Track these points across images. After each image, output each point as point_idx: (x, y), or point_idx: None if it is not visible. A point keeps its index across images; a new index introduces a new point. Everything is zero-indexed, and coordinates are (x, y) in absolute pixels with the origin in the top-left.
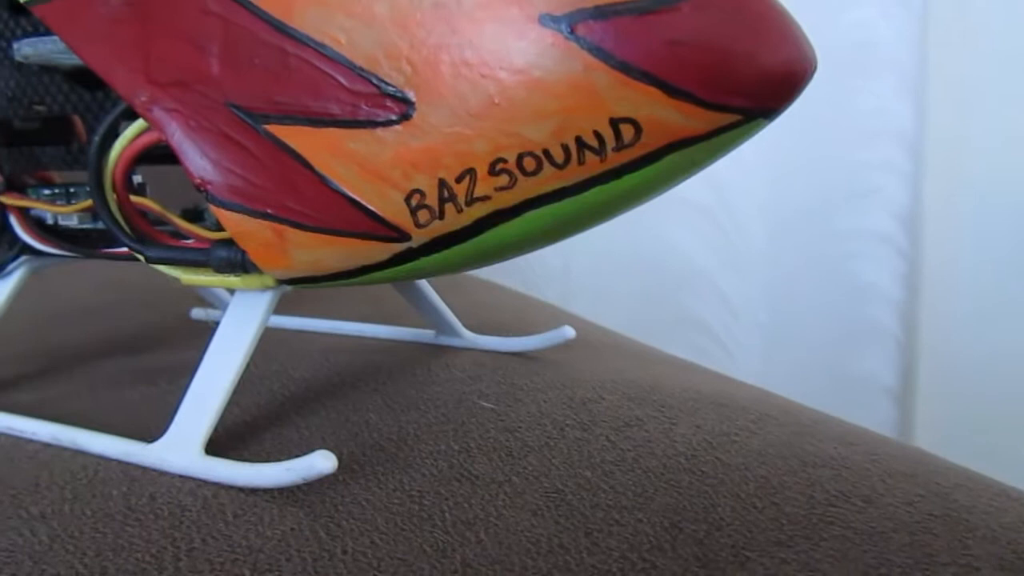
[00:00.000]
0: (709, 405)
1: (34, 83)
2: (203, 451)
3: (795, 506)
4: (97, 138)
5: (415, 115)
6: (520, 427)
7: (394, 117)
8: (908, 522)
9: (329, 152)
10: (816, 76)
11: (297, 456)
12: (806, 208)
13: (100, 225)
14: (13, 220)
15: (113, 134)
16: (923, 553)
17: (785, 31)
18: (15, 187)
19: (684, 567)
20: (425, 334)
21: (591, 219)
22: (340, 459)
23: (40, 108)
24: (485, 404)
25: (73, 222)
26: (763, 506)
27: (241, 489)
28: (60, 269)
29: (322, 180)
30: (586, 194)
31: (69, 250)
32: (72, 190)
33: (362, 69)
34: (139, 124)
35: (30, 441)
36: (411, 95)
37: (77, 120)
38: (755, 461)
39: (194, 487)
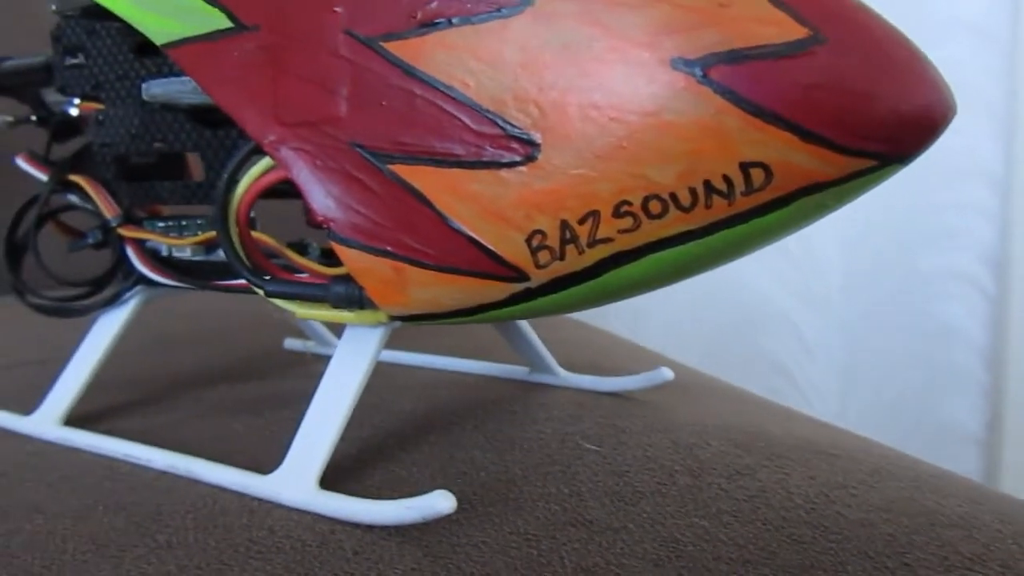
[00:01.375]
0: (819, 455)
1: (157, 121)
2: (318, 485)
3: (929, 568)
4: (226, 175)
5: (540, 157)
6: (628, 471)
7: (518, 159)
8: None
9: (452, 192)
10: None
11: (409, 494)
12: (888, 247)
13: (213, 258)
14: (130, 252)
15: (239, 171)
16: None
17: (923, 74)
18: (131, 220)
19: None
20: (518, 370)
21: (714, 262)
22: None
23: (160, 145)
24: (589, 446)
25: (186, 254)
26: (895, 566)
27: (356, 525)
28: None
29: (443, 220)
30: (711, 238)
31: (183, 281)
32: (184, 223)
33: (488, 111)
34: (266, 162)
35: (147, 468)
36: (537, 137)
37: (191, 156)
38: (879, 518)
39: (311, 522)
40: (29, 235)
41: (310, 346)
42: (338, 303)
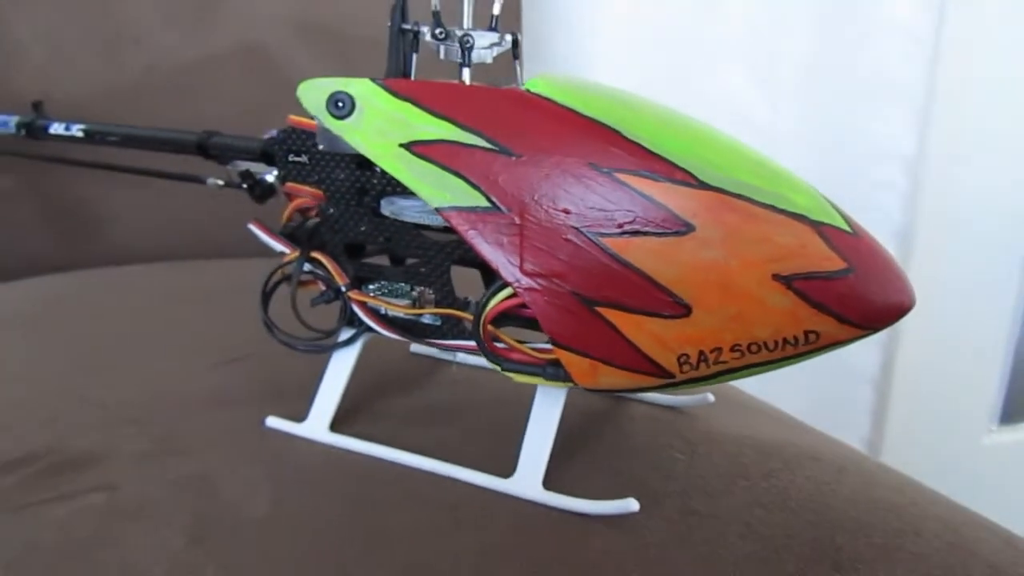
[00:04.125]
0: (810, 459)
1: (386, 225)
2: (543, 486)
3: (882, 537)
4: (485, 298)
5: (692, 315)
6: (705, 476)
7: (679, 313)
8: (939, 549)
9: (634, 326)
10: (840, 103)
11: (590, 490)
12: None
13: (422, 320)
14: (357, 309)
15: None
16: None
17: (904, 284)
18: (356, 285)
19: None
20: None
21: (772, 370)
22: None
23: (386, 244)
24: (679, 455)
25: (399, 314)
26: (836, 525)
27: (566, 512)
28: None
29: (627, 341)
30: (779, 363)
31: (399, 335)
32: (392, 287)
33: (663, 286)
34: (508, 291)
35: (414, 469)
36: (691, 303)
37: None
38: (835, 500)
39: (544, 511)
40: (271, 293)
41: (426, 350)
42: (551, 378)
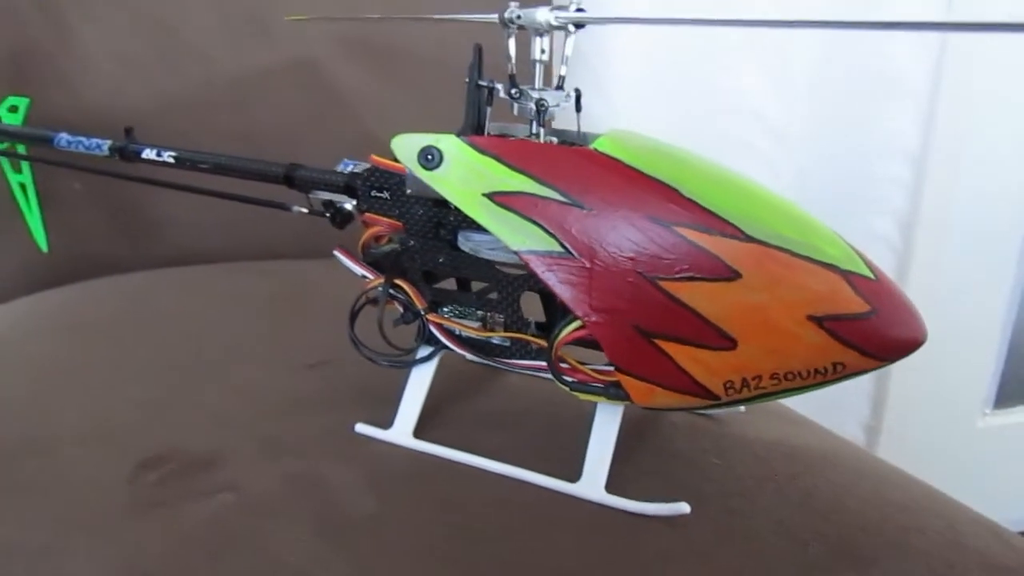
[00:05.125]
0: (823, 460)
1: (461, 257)
2: (605, 490)
3: (893, 534)
4: (558, 329)
5: (737, 348)
6: (742, 476)
7: (726, 346)
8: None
9: (686, 355)
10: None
11: (644, 493)
12: (824, 212)
13: (491, 341)
14: (435, 330)
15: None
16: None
17: (918, 323)
18: (432, 308)
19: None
20: None
21: (803, 394)
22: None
23: (462, 274)
24: (715, 460)
25: (473, 335)
26: (854, 523)
27: (626, 513)
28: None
29: (681, 369)
30: (810, 387)
31: (471, 353)
32: (461, 311)
33: (713, 323)
34: (577, 323)
35: (486, 472)
36: (736, 337)
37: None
38: (852, 500)
39: (608, 512)
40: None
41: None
42: (611, 397)
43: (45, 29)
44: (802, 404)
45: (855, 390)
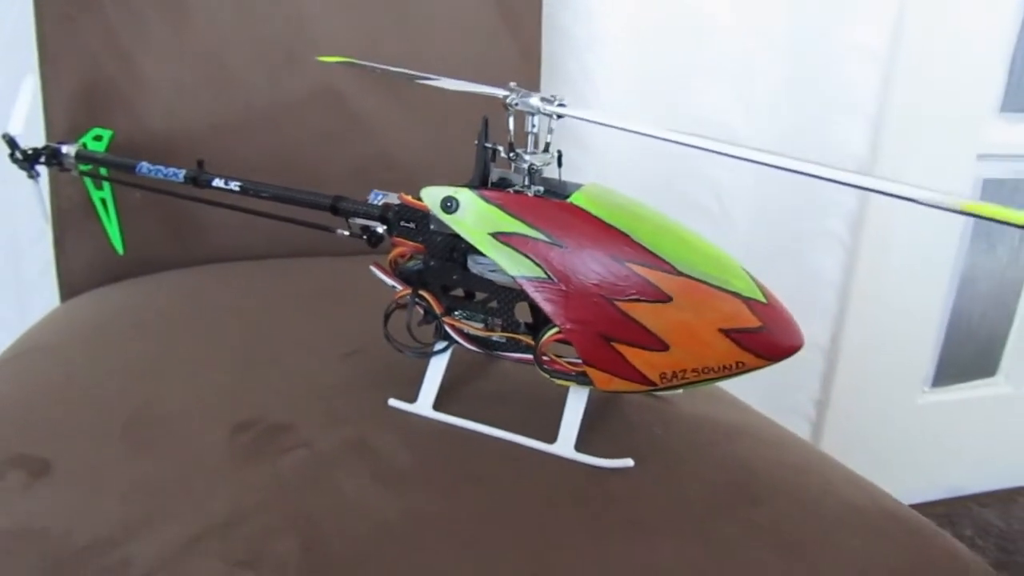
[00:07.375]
0: (739, 431)
1: (470, 276)
2: (574, 448)
3: (783, 486)
4: (541, 334)
5: (670, 350)
6: (677, 441)
7: (662, 348)
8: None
9: (635, 355)
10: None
11: (606, 451)
12: (780, 214)
13: (492, 339)
14: (449, 330)
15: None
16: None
17: (796, 333)
18: (447, 313)
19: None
20: None
21: (715, 383)
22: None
23: (470, 287)
24: (657, 431)
25: (478, 334)
26: (756, 476)
27: (591, 467)
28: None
29: (630, 364)
30: (721, 378)
31: (477, 347)
32: (467, 314)
33: (652, 332)
34: (556, 330)
35: (493, 438)
36: (669, 343)
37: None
38: (758, 461)
39: (574, 466)
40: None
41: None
42: (580, 383)
43: (111, 61)
44: (758, 381)
45: (806, 369)
